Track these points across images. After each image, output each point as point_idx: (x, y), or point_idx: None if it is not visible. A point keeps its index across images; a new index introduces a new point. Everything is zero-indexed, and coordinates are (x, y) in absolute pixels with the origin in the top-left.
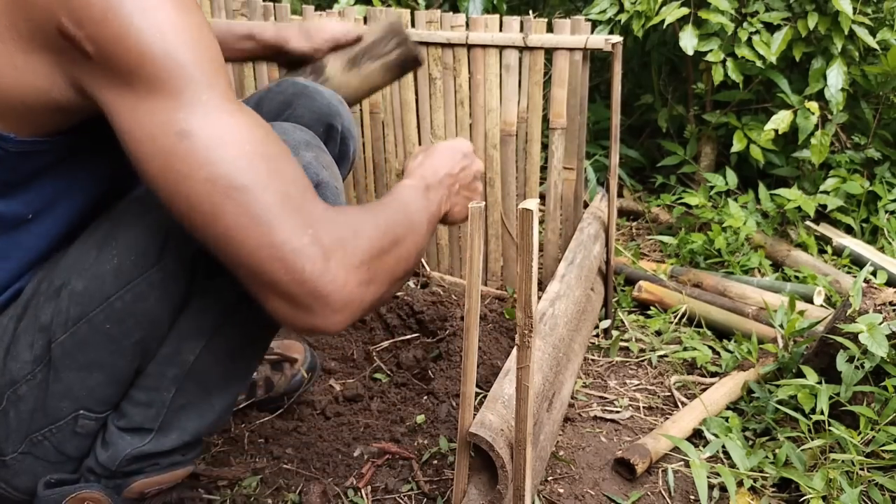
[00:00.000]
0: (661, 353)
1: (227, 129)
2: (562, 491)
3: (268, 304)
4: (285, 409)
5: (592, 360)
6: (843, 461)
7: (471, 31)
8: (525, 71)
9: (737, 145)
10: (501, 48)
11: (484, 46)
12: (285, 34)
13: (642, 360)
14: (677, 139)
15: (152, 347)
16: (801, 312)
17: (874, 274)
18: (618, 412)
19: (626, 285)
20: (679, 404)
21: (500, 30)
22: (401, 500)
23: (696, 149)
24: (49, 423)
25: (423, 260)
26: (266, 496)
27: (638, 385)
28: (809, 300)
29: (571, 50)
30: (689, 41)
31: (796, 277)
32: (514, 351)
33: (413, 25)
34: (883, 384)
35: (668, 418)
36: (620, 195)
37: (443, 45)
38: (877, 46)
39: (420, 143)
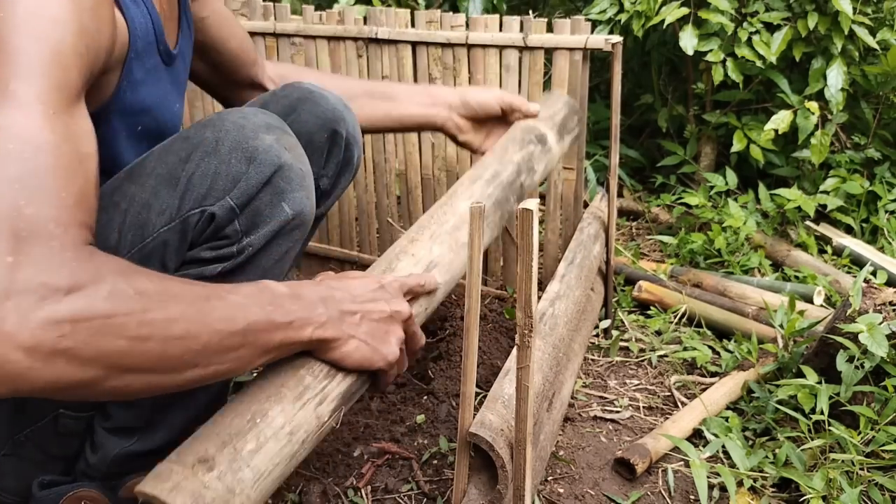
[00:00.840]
0: (661, 353)
1: (7, 121)
2: (562, 491)
3: None
4: None
5: (592, 359)
6: (843, 461)
7: (471, 31)
8: (525, 71)
9: (737, 145)
10: (501, 48)
11: (484, 46)
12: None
13: (642, 360)
14: (677, 139)
15: None
16: (801, 312)
17: (874, 274)
18: (618, 412)
19: (626, 285)
20: (679, 404)
21: (500, 30)
22: (401, 500)
23: (696, 149)
24: (30, 423)
25: None
26: None
27: (638, 385)
28: (809, 300)
29: (571, 50)
30: (689, 41)
31: (796, 277)
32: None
33: (413, 25)
34: (883, 384)
35: (668, 418)
36: (620, 195)
37: (443, 45)
38: (877, 46)
39: (420, 143)
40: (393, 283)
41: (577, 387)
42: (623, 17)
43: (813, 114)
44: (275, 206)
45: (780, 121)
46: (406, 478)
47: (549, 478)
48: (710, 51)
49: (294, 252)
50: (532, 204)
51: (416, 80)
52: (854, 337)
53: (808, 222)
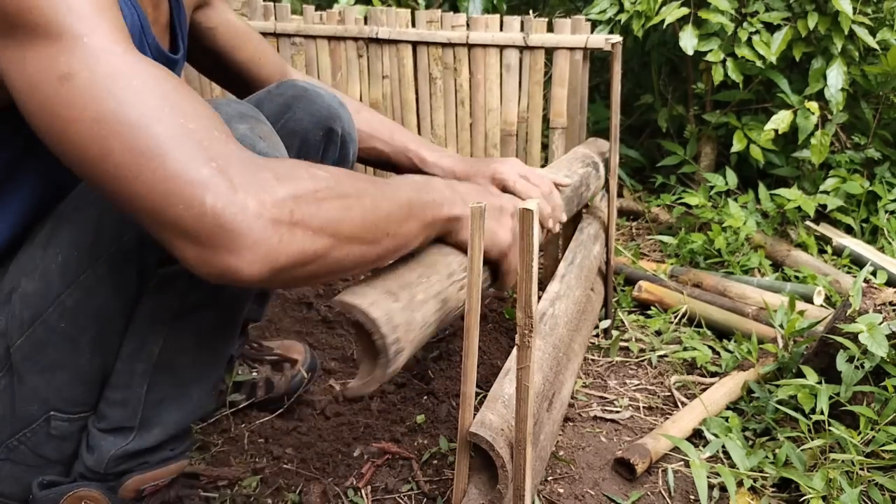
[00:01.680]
0: (661, 353)
1: (111, 68)
2: (562, 491)
3: (174, 250)
4: (285, 409)
5: (592, 360)
6: (843, 461)
7: (471, 30)
8: (525, 70)
9: (737, 145)
10: (502, 48)
11: (484, 46)
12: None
13: (642, 360)
14: (677, 139)
15: (112, 342)
16: (801, 312)
17: (874, 274)
18: (618, 412)
19: (626, 285)
20: (679, 404)
21: (501, 29)
22: (401, 500)
23: (696, 149)
24: (22, 427)
25: None
26: (266, 496)
27: (638, 385)
28: (809, 300)
29: (572, 49)
30: (689, 41)
31: (796, 277)
32: (515, 351)
33: (413, 25)
34: (883, 384)
35: (668, 418)
36: (620, 195)
37: (443, 45)
38: (877, 46)
39: None
40: (501, 195)
41: (577, 387)
42: (623, 17)
43: (813, 114)
44: None
45: (780, 121)
46: (406, 478)
47: (549, 478)
48: (710, 51)
49: None
50: (532, 204)
51: (416, 79)
52: (854, 337)
53: (808, 222)
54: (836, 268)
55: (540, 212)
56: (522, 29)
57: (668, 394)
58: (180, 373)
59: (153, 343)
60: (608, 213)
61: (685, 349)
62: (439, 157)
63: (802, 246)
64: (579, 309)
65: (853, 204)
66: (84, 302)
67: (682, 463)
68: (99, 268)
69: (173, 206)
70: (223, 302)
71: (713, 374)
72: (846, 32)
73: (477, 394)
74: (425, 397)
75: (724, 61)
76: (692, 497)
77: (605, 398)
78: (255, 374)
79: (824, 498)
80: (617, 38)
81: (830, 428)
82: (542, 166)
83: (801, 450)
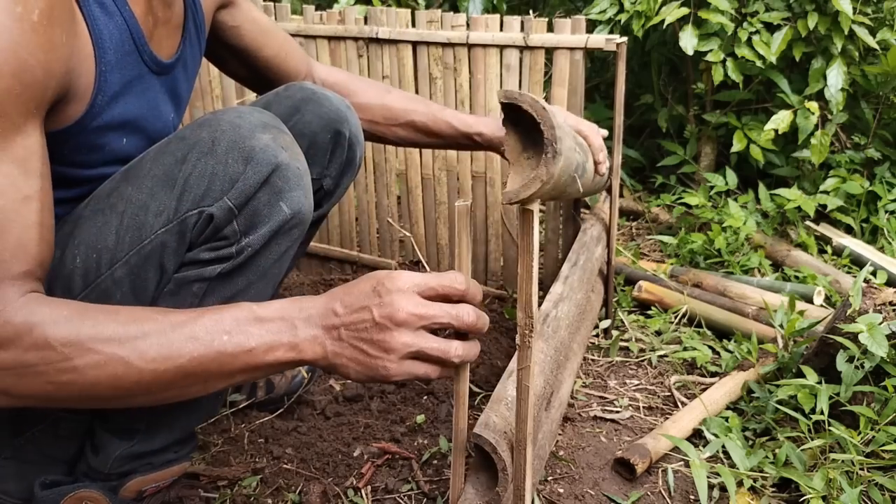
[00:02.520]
0: (661, 352)
1: None
2: (562, 491)
3: None
4: (285, 409)
5: (592, 360)
6: (843, 461)
7: (471, 30)
8: (525, 70)
9: (737, 145)
10: (502, 48)
11: (484, 46)
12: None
13: (642, 360)
14: (677, 139)
15: None
16: (801, 312)
17: (874, 274)
18: (618, 412)
19: (626, 285)
20: (679, 404)
21: (501, 29)
22: (401, 500)
23: (696, 149)
24: (30, 427)
25: (423, 259)
26: (266, 496)
27: (638, 385)
28: (809, 300)
29: (572, 49)
30: (689, 41)
31: (796, 277)
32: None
33: (413, 25)
34: (883, 384)
35: (668, 418)
36: (620, 195)
37: (443, 45)
38: (877, 46)
39: None
40: (396, 279)
41: (576, 387)
42: (623, 17)
43: (813, 114)
44: (273, 206)
45: (780, 121)
46: (406, 478)
47: (549, 478)
48: (710, 51)
49: (293, 251)
50: (534, 206)
51: (416, 79)
52: (854, 337)
53: (808, 222)
54: (836, 268)
55: (595, 145)
56: (522, 29)
57: (668, 394)
58: None
59: None
60: (610, 213)
61: (685, 349)
62: (478, 119)
63: (802, 246)
64: (580, 310)
65: (853, 204)
66: (101, 304)
67: (682, 463)
68: (117, 271)
69: None
70: None
71: (713, 374)
72: (846, 32)
73: (477, 393)
74: (425, 397)
75: (724, 61)
76: (692, 497)
77: (605, 398)
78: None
79: (824, 498)
80: (621, 38)
81: (830, 428)
82: None
83: (801, 450)
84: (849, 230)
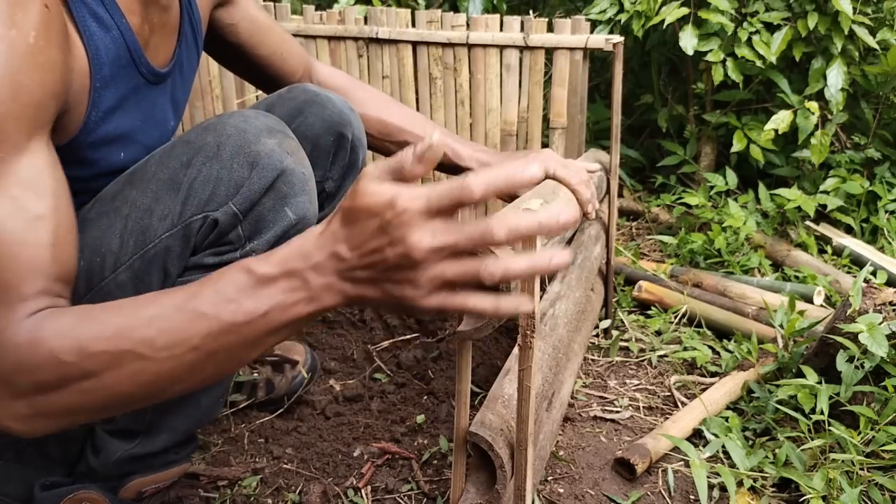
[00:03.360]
0: (661, 352)
1: None
2: (562, 491)
3: None
4: (285, 409)
5: (592, 360)
6: (843, 461)
7: (471, 30)
8: (525, 70)
9: (737, 145)
10: (502, 48)
11: (484, 46)
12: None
13: (642, 360)
14: (677, 139)
15: None
16: (801, 312)
17: (874, 274)
18: (618, 412)
19: (626, 285)
20: (679, 404)
21: (501, 29)
22: (401, 500)
23: (696, 149)
24: None
25: None
26: (266, 496)
27: (638, 385)
28: (809, 300)
29: (572, 49)
30: (689, 41)
31: (796, 277)
32: (515, 351)
33: (413, 25)
34: (883, 384)
35: (668, 418)
36: (620, 195)
37: (443, 45)
38: (877, 46)
39: None
40: (401, 213)
41: (577, 387)
42: (623, 17)
43: (813, 114)
44: (278, 212)
45: (780, 121)
46: (406, 478)
47: (549, 478)
48: (710, 51)
49: None
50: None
51: (416, 79)
52: (854, 337)
53: (808, 222)
54: (836, 268)
55: (580, 197)
56: (522, 29)
57: (668, 394)
58: None
59: None
60: (609, 214)
61: (685, 349)
62: (473, 151)
63: (802, 246)
64: (579, 309)
65: (853, 204)
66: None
67: (682, 463)
68: (121, 274)
69: None
70: None
71: (713, 374)
72: (846, 32)
73: (477, 393)
74: (425, 397)
75: (724, 61)
76: (692, 497)
77: (605, 398)
78: (255, 374)
79: (824, 498)
80: (618, 38)
81: (830, 428)
82: None
83: (801, 450)
84: (849, 230)
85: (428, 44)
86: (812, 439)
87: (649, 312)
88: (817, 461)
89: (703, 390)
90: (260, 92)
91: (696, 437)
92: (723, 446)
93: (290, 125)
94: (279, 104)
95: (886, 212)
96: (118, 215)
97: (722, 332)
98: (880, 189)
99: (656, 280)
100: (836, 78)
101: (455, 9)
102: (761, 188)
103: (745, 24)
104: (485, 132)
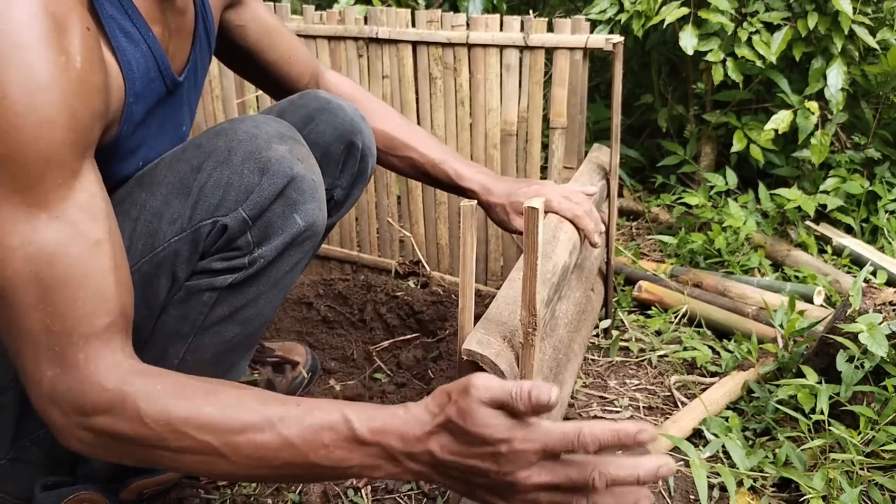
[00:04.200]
0: (661, 352)
1: (15, 243)
2: None
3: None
4: None
5: (592, 360)
6: (843, 461)
7: (471, 30)
8: (525, 70)
9: (737, 145)
10: (502, 48)
11: (484, 46)
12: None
13: (642, 360)
14: (677, 139)
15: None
16: (801, 312)
17: (874, 274)
18: (618, 412)
19: (626, 285)
20: (679, 404)
21: (501, 29)
22: (401, 500)
23: (696, 149)
24: (35, 428)
25: (423, 259)
26: (266, 496)
27: (638, 385)
28: (809, 300)
29: (572, 49)
30: (689, 41)
31: (796, 277)
32: None
33: (413, 25)
34: (883, 384)
35: (668, 418)
36: (620, 195)
37: (443, 45)
38: (877, 46)
39: None
40: (520, 453)
41: (577, 387)
42: (623, 17)
43: (813, 114)
44: (287, 218)
45: (780, 121)
46: None
47: None
48: (710, 51)
49: (305, 262)
50: (538, 203)
51: (416, 79)
52: (854, 337)
53: (808, 222)
54: (836, 268)
55: (585, 227)
56: (522, 29)
57: (668, 394)
58: None
59: (173, 354)
60: (609, 214)
61: (685, 349)
62: (475, 173)
63: (802, 246)
64: (579, 310)
65: (853, 204)
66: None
67: (682, 463)
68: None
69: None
70: (245, 318)
71: (713, 374)
72: (846, 32)
73: None
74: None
75: (724, 61)
76: (692, 497)
77: (605, 398)
78: (256, 375)
79: (824, 498)
80: (618, 38)
81: (830, 428)
82: (543, 167)
83: (801, 450)
84: (849, 230)
85: (428, 44)
86: (812, 439)
87: (649, 312)
88: (817, 461)
89: (703, 390)
90: (260, 92)
91: (696, 436)
92: (723, 446)
93: (301, 132)
94: (290, 110)
95: (886, 212)
96: (127, 218)
97: (722, 332)
98: (880, 189)
99: (656, 280)
100: (836, 78)
101: (455, 9)
102: (761, 188)
103: (745, 24)
104: (485, 132)
